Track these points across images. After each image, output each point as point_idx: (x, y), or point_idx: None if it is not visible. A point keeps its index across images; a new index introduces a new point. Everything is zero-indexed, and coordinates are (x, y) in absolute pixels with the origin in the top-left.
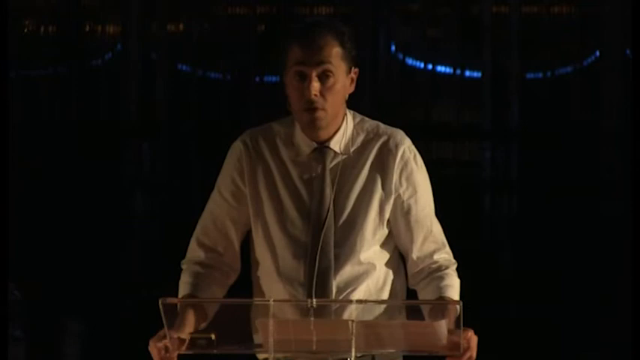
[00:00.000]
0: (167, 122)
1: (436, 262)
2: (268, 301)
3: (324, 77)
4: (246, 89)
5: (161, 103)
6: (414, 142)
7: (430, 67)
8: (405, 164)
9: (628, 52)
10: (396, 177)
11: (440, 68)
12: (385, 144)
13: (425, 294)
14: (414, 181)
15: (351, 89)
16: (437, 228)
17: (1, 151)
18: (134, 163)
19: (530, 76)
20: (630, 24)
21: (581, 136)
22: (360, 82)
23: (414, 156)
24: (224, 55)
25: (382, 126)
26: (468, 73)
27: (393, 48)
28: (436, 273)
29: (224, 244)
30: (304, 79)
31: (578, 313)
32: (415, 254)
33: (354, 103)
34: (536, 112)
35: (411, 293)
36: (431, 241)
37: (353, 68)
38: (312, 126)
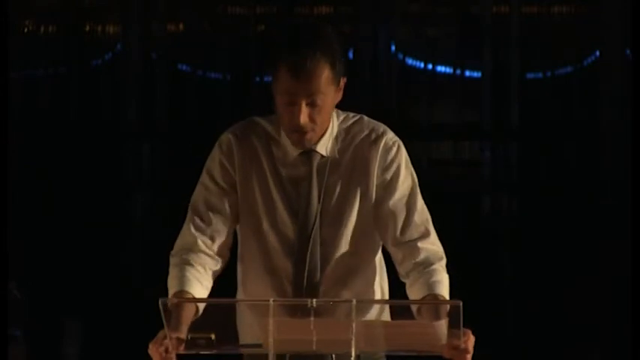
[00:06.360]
0: (167, 122)
1: (421, 252)
2: (268, 301)
3: (313, 104)
4: (246, 89)
5: (161, 103)
6: (414, 142)
7: (430, 67)
8: (385, 153)
9: (628, 52)
10: (376, 167)
11: (440, 68)
12: (367, 138)
13: (413, 290)
14: (393, 168)
15: (339, 98)
16: (420, 216)
17: (1, 151)
18: (134, 163)
19: (530, 76)
20: (630, 24)
21: (581, 135)
22: (360, 82)
23: (396, 146)
24: (224, 55)
25: (365, 120)
26: (467, 73)
27: (393, 48)
28: (424, 268)
29: (217, 230)
30: (294, 104)
31: (578, 310)
32: (396, 241)
33: (354, 103)
34: (536, 112)
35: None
36: (412, 228)
37: (342, 79)
38: (300, 145)
